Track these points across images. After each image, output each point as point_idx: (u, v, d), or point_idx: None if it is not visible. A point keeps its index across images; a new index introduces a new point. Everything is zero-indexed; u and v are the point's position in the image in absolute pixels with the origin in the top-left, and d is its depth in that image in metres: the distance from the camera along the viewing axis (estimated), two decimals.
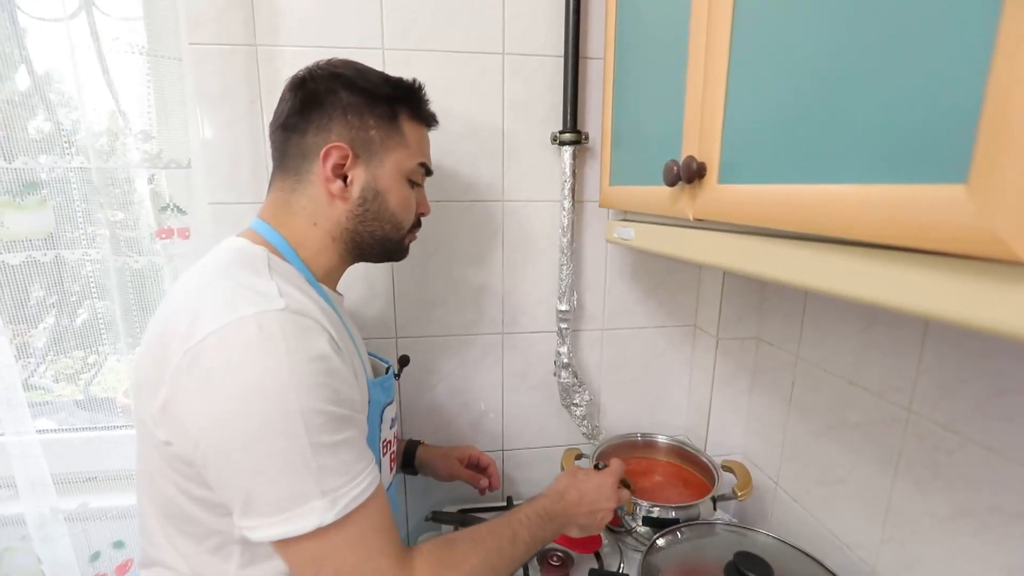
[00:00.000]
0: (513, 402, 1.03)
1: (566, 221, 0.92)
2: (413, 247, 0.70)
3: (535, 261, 0.97)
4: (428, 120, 0.67)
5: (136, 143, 0.80)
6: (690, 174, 0.52)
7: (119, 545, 0.91)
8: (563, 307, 0.96)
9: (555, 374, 1.00)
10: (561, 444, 1.06)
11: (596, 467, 0.73)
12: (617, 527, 0.85)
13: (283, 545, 0.47)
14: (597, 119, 0.89)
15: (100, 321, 0.86)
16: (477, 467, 0.88)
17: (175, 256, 0.84)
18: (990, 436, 0.55)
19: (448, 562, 0.53)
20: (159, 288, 0.85)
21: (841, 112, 0.36)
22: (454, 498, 1.03)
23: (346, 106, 0.58)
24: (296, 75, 0.60)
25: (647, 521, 0.82)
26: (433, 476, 0.88)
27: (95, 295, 0.85)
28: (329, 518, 0.46)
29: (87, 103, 0.75)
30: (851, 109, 0.36)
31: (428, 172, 0.67)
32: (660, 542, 0.75)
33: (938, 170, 0.29)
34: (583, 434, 1.04)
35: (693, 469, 0.96)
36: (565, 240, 0.93)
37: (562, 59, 0.88)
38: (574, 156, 0.90)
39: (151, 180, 0.81)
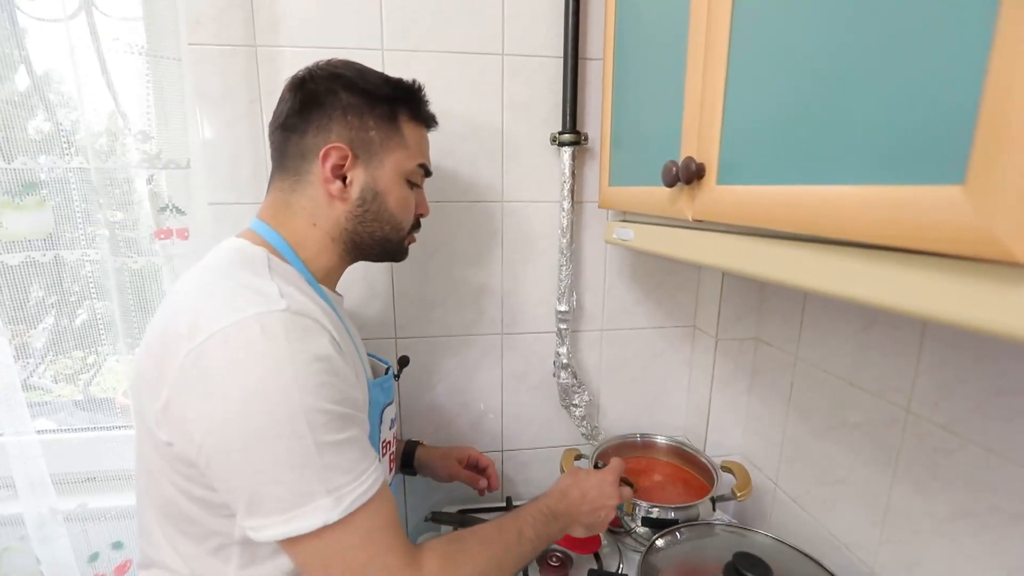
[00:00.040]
0: (512, 402, 1.03)
1: (565, 222, 0.92)
2: (413, 247, 0.70)
3: (535, 262, 0.97)
4: (428, 121, 0.67)
5: (135, 143, 0.80)
6: (689, 175, 0.52)
7: (118, 546, 0.90)
8: (562, 308, 0.96)
9: (554, 375, 1.00)
10: (560, 445, 1.06)
11: (596, 467, 0.73)
12: (616, 527, 0.85)
13: (290, 544, 0.47)
14: (596, 120, 0.89)
15: (99, 321, 0.85)
16: (476, 468, 0.88)
17: (174, 256, 0.84)
18: (989, 437, 0.55)
19: (457, 559, 0.53)
20: (158, 288, 0.84)
21: (839, 113, 0.37)
22: (453, 499, 1.03)
23: (346, 107, 0.58)
24: (296, 75, 0.60)
25: (646, 522, 0.82)
26: (432, 477, 0.88)
27: (94, 295, 0.85)
28: (334, 516, 0.46)
29: (86, 103, 0.75)
30: (849, 110, 0.36)
31: (427, 173, 0.67)
32: (659, 543, 0.75)
33: (936, 171, 0.29)
34: (582, 435, 1.04)
35: (692, 470, 0.96)
36: (564, 241, 0.93)
37: (562, 60, 0.88)
38: (573, 157, 0.90)
39: (150, 180, 0.81)
